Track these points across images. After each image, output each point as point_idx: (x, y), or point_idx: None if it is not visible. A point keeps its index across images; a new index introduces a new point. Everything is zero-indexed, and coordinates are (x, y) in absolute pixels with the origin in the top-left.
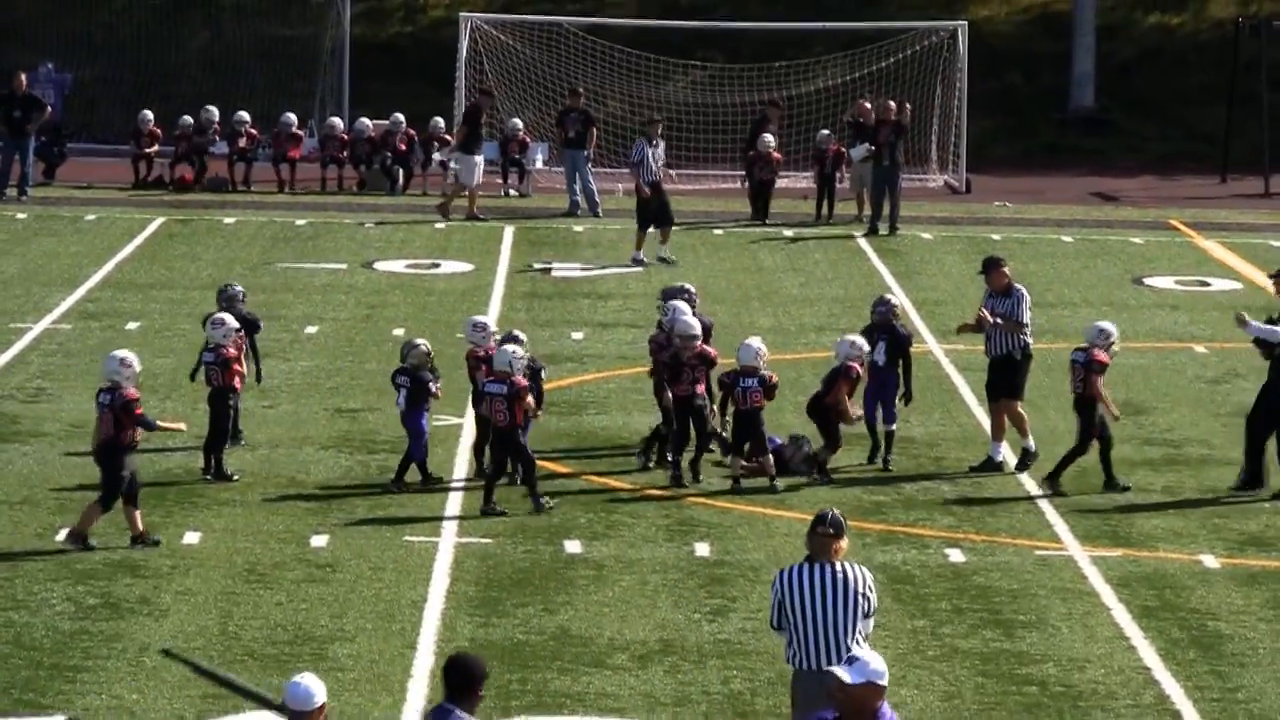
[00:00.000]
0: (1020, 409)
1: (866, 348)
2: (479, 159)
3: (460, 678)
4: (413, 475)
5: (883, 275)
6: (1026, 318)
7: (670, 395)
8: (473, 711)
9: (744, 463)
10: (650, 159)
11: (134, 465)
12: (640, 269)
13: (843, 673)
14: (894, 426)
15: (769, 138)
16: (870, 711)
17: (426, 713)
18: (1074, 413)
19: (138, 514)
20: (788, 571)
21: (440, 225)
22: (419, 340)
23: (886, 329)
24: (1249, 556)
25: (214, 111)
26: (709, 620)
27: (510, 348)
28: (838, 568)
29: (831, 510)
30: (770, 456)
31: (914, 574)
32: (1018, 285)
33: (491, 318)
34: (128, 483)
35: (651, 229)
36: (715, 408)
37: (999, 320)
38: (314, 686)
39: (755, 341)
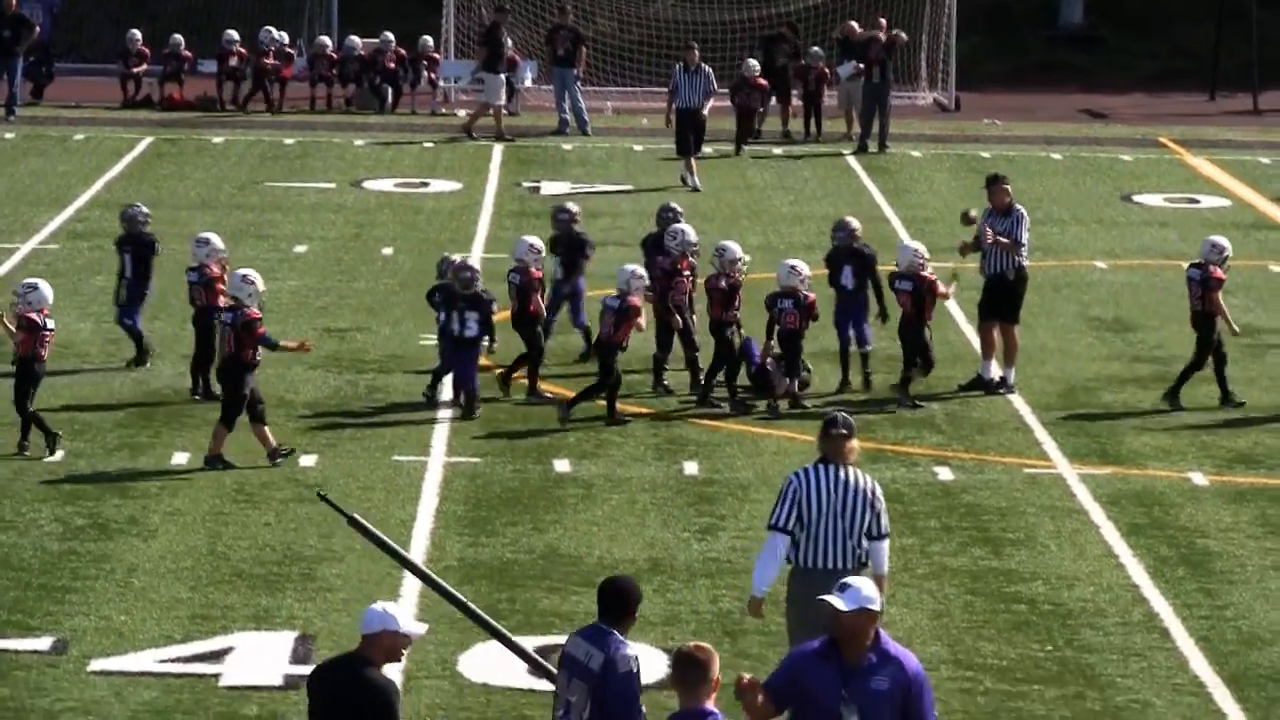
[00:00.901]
0: (1017, 335)
1: (926, 254)
2: (502, 77)
3: (616, 600)
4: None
5: (872, 193)
6: (1024, 238)
7: (680, 318)
8: (625, 634)
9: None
10: (684, 86)
11: (255, 383)
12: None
13: (836, 600)
14: (869, 348)
15: (753, 63)
16: (864, 636)
17: (579, 630)
18: (1192, 329)
19: (266, 430)
20: (804, 471)
21: (429, 144)
22: (456, 256)
23: (849, 253)
24: (1237, 474)
25: (273, 31)
26: (698, 539)
27: (630, 267)
28: (850, 473)
29: (840, 412)
30: (787, 380)
31: (903, 492)
32: (1018, 205)
33: (480, 237)
34: (250, 401)
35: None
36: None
37: (1000, 238)
38: (385, 611)
39: (792, 261)
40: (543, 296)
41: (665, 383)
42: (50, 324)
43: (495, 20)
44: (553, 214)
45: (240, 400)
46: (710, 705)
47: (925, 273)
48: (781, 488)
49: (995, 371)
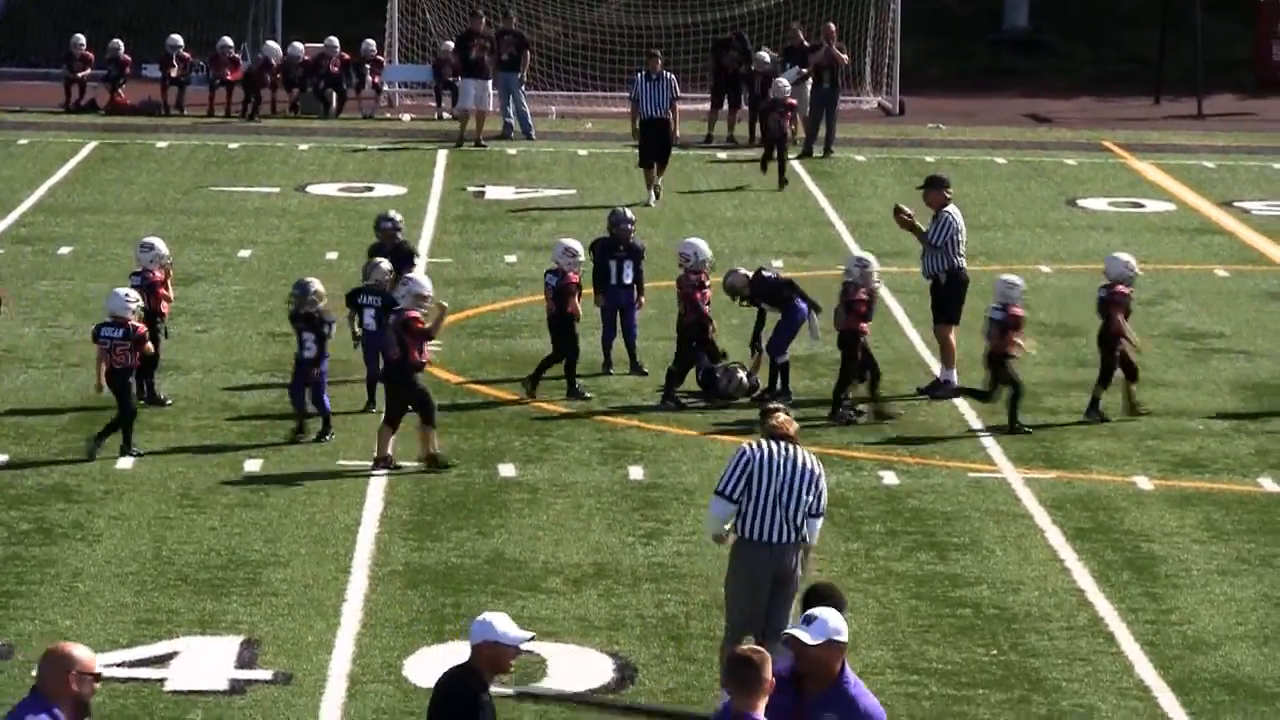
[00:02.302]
0: (951, 337)
1: (1137, 269)
2: (472, 84)
3: (817, 603)
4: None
5: (816, 198)
6: (935, 239)
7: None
8: None
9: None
10: (647, 94)
11: (423, 384)
12: (569, 193)
13: (802, 633)
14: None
15: (783, 83)
16: (831, 669)
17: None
18: None
19: (393, 436)
20: (758, 443)
21: (374, 149)
22: (380, 260)
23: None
24: (1182, 478)
25: (273, 47)
26: (643, 544)
27: (1008, 278)
28: (799, 451)
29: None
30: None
31: (848, 496)
32: (947, 209)
33: (425, 241)
34: (399, 404)
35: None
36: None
37: (911, 217)
38: (486, 621)
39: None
40: (580, 299)
41: (678, 396)
42: (109, 332)
43: (470, 27)
44: (376, 222)
45: (427, 396)
46: (760, 714)
47: (1125, 287)
48: (734, 455)
49: (954, 375)
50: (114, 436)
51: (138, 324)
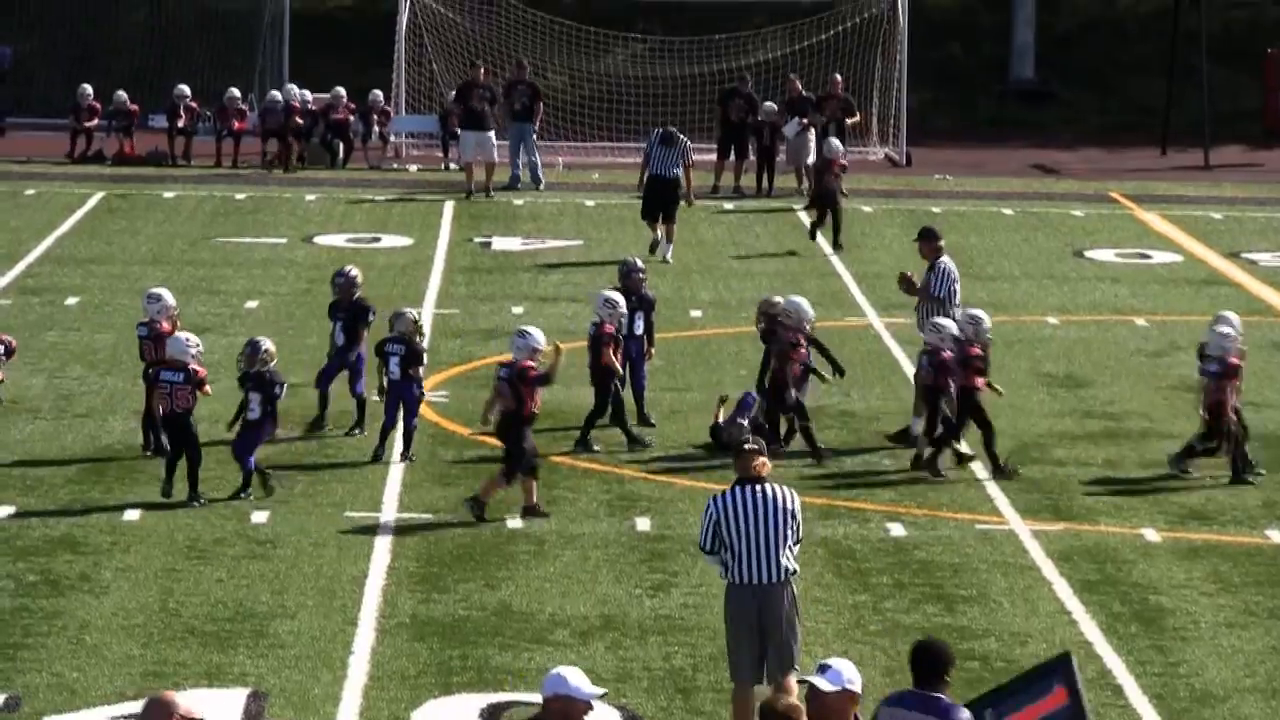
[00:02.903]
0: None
1: (1238, 334)
2: (473, 136)
3: (931, 662)
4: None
5: (823, 248)
6: (938, 290)
7: (794, 391)
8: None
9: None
10: (659, 156)
11: (530, 441)
12: (578, 243)
13: (818, 681)
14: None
15: (836, 143)
16: (844, 717)
17: (896, 701)
18: None
19: (535, 484)
20: (721, 495)
21: (381, 199)
22: (406, 309)
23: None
24: (1190, 530)
25: (293, 90)
26: (650, 596)
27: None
28: (767, 488)
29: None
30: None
31: (855, 548)
32: (943, 260)
33: (431, 292)
34: (514, 454)
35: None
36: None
37: (914, 282)
38: (559, 676)
39: (937, 319)
40: (616, 352)
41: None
42: (169, 375)
43: (470, 78)
44: (332, 278)
45: (523, 453)
46: None
47: (1232, 358)
48: (703, 510)
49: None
50: (118, 486)
51: (198, 367)
